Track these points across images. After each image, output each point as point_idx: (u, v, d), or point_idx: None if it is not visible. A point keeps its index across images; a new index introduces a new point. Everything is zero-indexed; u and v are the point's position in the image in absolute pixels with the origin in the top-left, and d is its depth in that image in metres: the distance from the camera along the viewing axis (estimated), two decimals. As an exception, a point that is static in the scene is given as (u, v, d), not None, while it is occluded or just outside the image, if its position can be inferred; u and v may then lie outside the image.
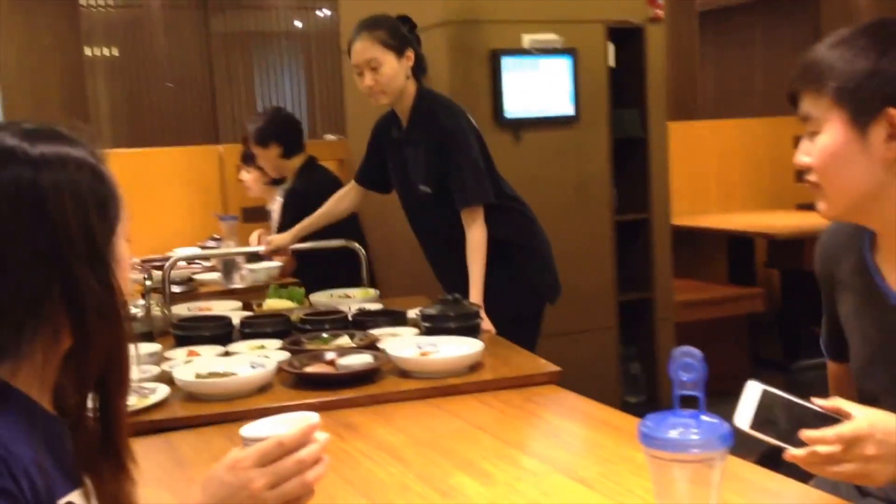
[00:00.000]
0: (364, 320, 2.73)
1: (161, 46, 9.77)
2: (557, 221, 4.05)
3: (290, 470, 1.03)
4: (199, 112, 9.85)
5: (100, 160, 1.11)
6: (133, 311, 2.69)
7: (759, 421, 1.20)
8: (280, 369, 2.21)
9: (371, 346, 2.43)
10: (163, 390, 2.09)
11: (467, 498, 1.56)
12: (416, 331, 2.62)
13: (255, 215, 4.91)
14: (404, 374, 2.25)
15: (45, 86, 6.29)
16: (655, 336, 4.55)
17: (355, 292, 3.32)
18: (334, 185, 4.06)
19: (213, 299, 3.45)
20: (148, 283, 2.93)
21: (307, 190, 4.04)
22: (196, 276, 4.09)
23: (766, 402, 1.21)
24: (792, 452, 1.21)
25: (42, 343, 1.05)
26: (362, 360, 2.26)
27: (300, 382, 2.19)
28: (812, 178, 1.43)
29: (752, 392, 1.21)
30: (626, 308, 4.46)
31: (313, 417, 1.11)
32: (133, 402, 1.96)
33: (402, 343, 2.40)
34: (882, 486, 1.30)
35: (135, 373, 2.04)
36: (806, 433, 1.22)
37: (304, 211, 3.65)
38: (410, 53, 2.98)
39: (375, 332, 2.60)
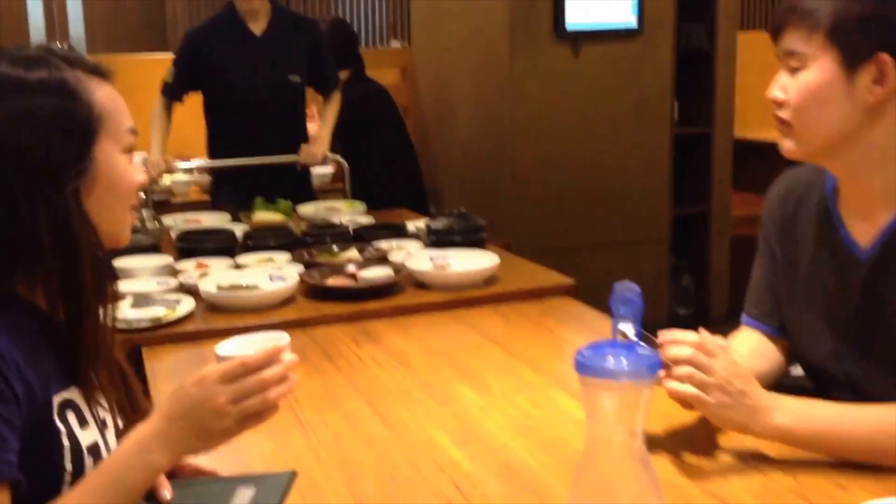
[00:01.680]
0: (365, 233, 2.81)
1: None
2: (614, 135, 4.12)
3: (251, 388, 1.08)
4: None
5: (76, 81, 1.14)
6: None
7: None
8: (302, 281, 2.29)
9: (382, 258, 2.51)
10: (188, 302, 2.15)
11: (462, 406, 1.61)
12: (419, 243, 2.70)
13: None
14: (422, 286, 2.33)
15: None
16: (709, 250, 4.54)
17: (341, 205, 3.40)
18: (380, 95, 4.15)
19: (196, 210, 3.48)
20: (141, 195, 3.02)
21: (355, 99, 4.04)
22: None
23: None
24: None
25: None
26: (384, 273, 2.33)
27: (322, 294, 2.26)
28: (784, 114, 1.39)
29: None
30: (681, 221, 4.44)
31: (283, 339, 1.17)
32: (162, 313, 2.07)
33: (416, 256, 2.46)
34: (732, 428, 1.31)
35: (152, 285, 2.18)
36: (664, 334, 1.29)
37: (353, 120, 3.75)
38: None
39: (380, 244, 2.66)
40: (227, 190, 3.58)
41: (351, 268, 2.37)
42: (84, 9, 5.72)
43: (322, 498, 1.30)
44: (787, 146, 1.41)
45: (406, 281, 2.34)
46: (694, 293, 4.61)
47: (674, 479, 1.28)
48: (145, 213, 2.98)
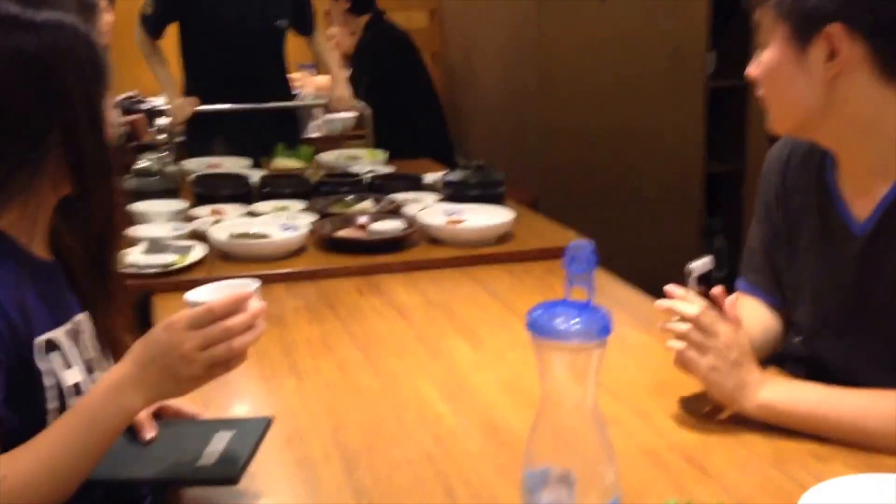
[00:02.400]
0: (381, 184, 2.79)
1: None
2: (646, 88, 3.98)
3: (218, 335, 1.09)
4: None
5: (90, 29, 1.19)
6: (147, 165, 2.76)
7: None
8: (312, 231, 2.29)
9: (395, 211, 2.50)
10: (199, 249, 2.16)
11: (454, 360, 1.62)
12: (435, 196, 2.68)
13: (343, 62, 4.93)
14: (434, 241, 2.31)
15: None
16: (743, 209, 4.31)
17: (362, 153, 3.37)
18: (402, 40, 4.13)
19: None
20: (162, 136, 3.00)
21: (376, 43, 4.07)
22: None
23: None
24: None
25: (37, 192, 1.16)
26: (394, 226, 2.31)
27: (332, 245, 2.26)
28: (759, 91, 1.37)
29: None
30: (715, 179, 4.28)
31: (251, 286, 1.17)
32: (173, 259, 2.09)
33: (429, 210, 2.44)
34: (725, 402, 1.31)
35: (167, 230, 2.20)
36: (673, 289, 1.31)
37: (374, 64, 3.75)
38: None
39: (396, 196, 2.64)
40: (206, 134, 3.43)
41: (362, 219, 2.36)
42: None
43: (306, 445, 1.31)
44: (768, 123, 1.39)
45: (418, 235, 2.32)
46: (727, 255, 4.41)
47: (654, 445, 1.28)
48: (165, 156, 2.96)
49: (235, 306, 1.11)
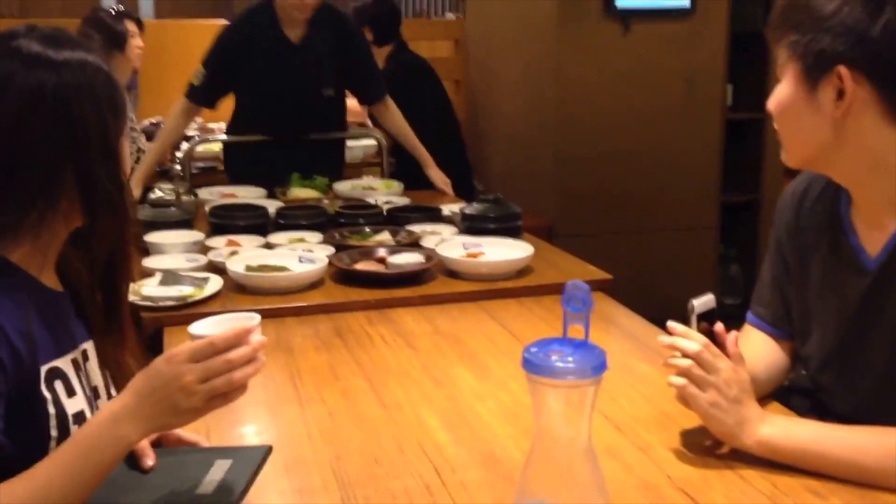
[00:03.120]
0: (399, 215, 2.76)
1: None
2: (664, 118, 4.03)
3: (218, 368, 1.10)
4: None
5: (108, 66, 1.24)
6: (160, 195, 2.76)
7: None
8: (330, 263, 2.26)
9: (414, 244, 2.48)
10: (216, 281, 2.14)
11: (458, 389, 1.63)
12: (453, 229, 2.65)
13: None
14: (452, 274, 2.28)
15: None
16: (759, 239, 4.37)
17: (378, 183, 3.35)
18: (422, 69, 4.16)
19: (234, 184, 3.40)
20: (177, 167, 2.95)
21: (397, 73, 4.07)
22: None
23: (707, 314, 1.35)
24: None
25: (49, 225, 1.18)
26: (414, 259, 2.28)
27: (350, 279, 2.23)
28: (776, 124, 1.39)
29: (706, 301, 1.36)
30: (731, 208, 4.33)
31: (253, 320, 1.19)
32: (189, 292, 2.07)
33: (448, 244, 2.40)
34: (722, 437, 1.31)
35: (182, 261, 2.20)
36: (674, 326, 1.32)
37: (395, 93, 3.71)
38: None
39: (413, 228, 2.62)
40: (248, 161, 3.41)
41: (381, 252, 2.35)
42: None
43: (305, 474, 1.32)
44: (783, 155, 1.41)
45: (437, 268, 2.30)
46: (742, 283, 4.48)
47: (654, 479, 1.28)
48: (181, 185, 2.94)
49: (237, 340, 1.13)
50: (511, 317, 2.06)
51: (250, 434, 1.50)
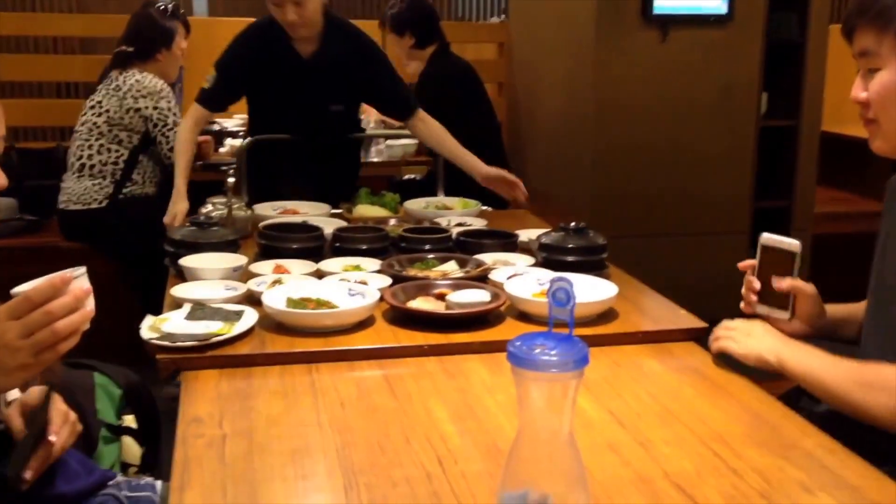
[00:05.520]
0: (470, 242, 2.45)
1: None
2: (699, 123, 4.05)
3: (38, 321, 1.11)
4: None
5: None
6: (209, 210, 2.60)
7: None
8: (382, 298, 1.95)
9: (483, 277, 2.16)
10: (250, 316, 1.86)
11: (469, 382, 1.64)
12: (529, 259, 2.34)
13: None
14: (523, 316, 1.96)
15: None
16: None
17: (454, 202, 3.06)
18: (465, 71, 4.12)
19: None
20: (231, 180, 2.70)
21: (439, 74, 4.05)
22: None
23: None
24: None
25: None
26: (477, 297, 1.95)
27: (405, 318, 1.93)
28: (869, 114, 1.41)
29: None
30: (762, 215, 4.27)
31: (77, 271, 1.18)
32: (217, 329, 1.78)
33: (520, 279, 2.08)
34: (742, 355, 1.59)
35: (221, 290, 1.94)
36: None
37: (437, 94, 3.67)
38: None
39: (485, 257, 2.33)
40: (262, 161, 3.23)
41: (440, 286, 2.05)
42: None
43: (311, 462, 1.33)
44: (877, 144, 1.44)
45: (505, 308, 1.97)
46: None
47: (649, 473, 1.29)
48: (235, 200, 2.69)
49: (53, 291, 1.12)
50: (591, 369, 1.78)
51: (262, 424, 1.46)
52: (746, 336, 1.60)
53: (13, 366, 1.11)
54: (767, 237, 1.71)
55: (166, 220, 2.77)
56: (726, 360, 1.67)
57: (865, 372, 1.39)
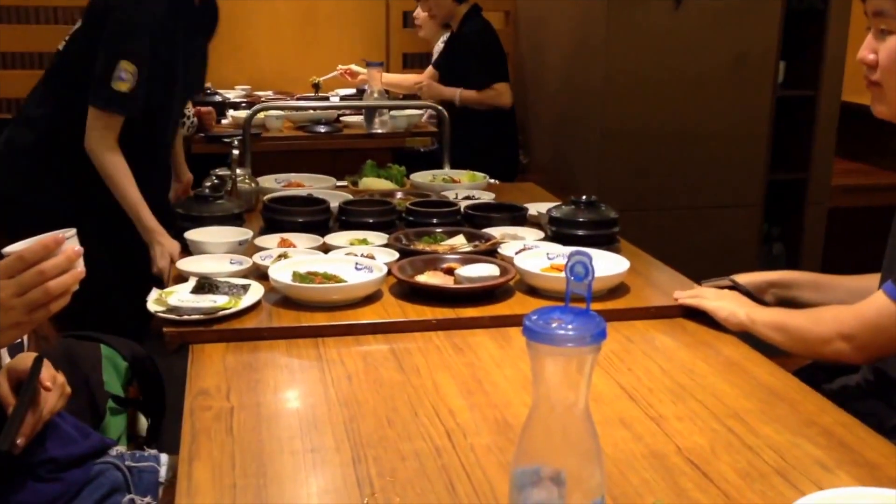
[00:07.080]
0: (478, 216, 2.40)
1: None
2: (713, 92, 3.94)
3: (31, 280, 1.12)
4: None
5: None
6: (217, 182, 2.53)
7: None
8: (389, 272, 1.93)
9: (491, 251, 2.14)
10: (256, 290, 1.83)
11: (477, 356, 1.62)
12: (538, 233, 2.31)
13: (414, 61, 4.98)
14: (532, 290, 1.93)
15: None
16: (804, 219, 4.25)
17: (461, 175, 3.00)
18: (493, 35, 4.14)
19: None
20: (235, 152, 2.58)
21: (469, 37, 4.08)
22: (343, 118, 4.22)
23: None
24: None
25: None
26: (487, 271, 1.92)
27: (411, 293, 1.90)
28: (875, 76, 1.38)
29: None
30: (777, 187, 4.19)
31: (68, 232, 1.19)
32: (223, 302, 1.76)
33: (529, 252, 2.06)
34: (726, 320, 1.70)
35: (226, 264, 1.91)
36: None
37: (463, 56, 3.72)
38: None
39: (493, 231, 2.29)
40: None
41: (449, 260, 2.01)
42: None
43: (319, 435, 1.32)
44: (879, 108, 1.42)
45: (515, 282, 1.96)
46: (784, 262, 4.31)
47: (662, 449, 1.27)
48: (240, 171, 2.61)
49: (45, 251, 1.14)
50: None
51: (270, 395, 1.47)
52: (719, 297, 1.75)
53: (7, 324, 1.13)
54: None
55: (157, 270, 2.33)
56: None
57: (821, 310, 1.56)
